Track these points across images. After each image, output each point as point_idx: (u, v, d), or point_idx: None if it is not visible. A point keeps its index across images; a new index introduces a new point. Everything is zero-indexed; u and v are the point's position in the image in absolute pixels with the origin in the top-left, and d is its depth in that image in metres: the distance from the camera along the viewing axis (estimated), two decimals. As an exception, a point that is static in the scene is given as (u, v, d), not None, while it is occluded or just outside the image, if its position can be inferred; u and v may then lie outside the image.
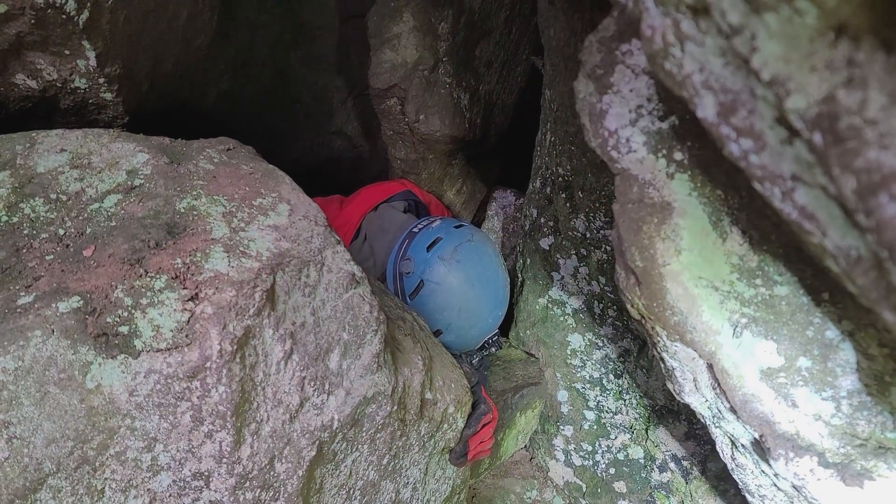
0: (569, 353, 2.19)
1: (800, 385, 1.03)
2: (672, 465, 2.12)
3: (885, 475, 0.98)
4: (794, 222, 0.60)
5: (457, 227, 1.96)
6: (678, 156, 0.96)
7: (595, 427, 2.21)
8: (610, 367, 2.13)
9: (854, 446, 1.01)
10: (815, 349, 1.01)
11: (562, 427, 2.27)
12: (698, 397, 1.19)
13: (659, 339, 1.12)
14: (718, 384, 1.08)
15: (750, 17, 0.48)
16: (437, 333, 1.86)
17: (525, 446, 2.42)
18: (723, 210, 0.97)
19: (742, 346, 1.04)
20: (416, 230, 1.98)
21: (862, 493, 0.99)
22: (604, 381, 2.15)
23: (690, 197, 0.98)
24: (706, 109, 0.62)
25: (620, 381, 2.12)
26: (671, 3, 0.56)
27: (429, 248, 1.88)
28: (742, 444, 1.19)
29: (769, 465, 1.11)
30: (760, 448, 1.10)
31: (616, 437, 2.18)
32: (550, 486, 2.37)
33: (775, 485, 1.19)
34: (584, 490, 2.28)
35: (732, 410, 1.09)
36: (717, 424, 1.23)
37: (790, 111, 0.50)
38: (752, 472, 1.24)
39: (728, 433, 1.22)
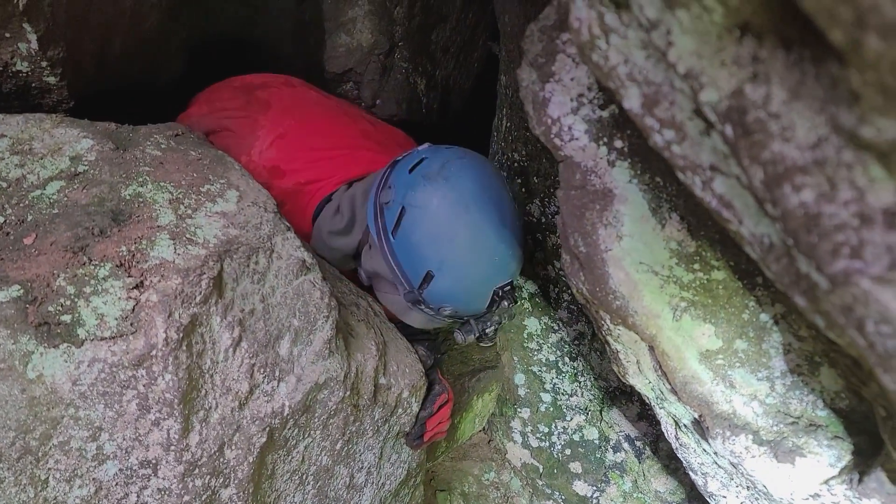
0: (525, 336, 2.22)
1: (737, 366, 1.06)
2: (626, 445, 2.17)
3: (816, 452, 1.02)
4: (713, 210, 0.62)
5: (448, 148, 1.57)
6: (618, 143, 0.98)
7: (551, 409, 2.25)
8: (565, 349, 2.16)
9: (787, 424, 1.05)
10: (751, 331, 1.04)
11: (519, 409, 2.30)
12: (641, 379, 1.22)
13: (603, 322, 1.15)
14: (660, 366, 1.11)
15: (665, 12, 0.50)
16: (427, 279, 1.45)
17: (483, 429, 2.46)
18: (662, 197, 1.00)
19: (682, 329, 1.07)
20: (399, 158, 1.59)
21: (793, 470, 1.03)
22: (559, 364, 2.19)
23: (631, 184, 1.00)
24: (631, 100, 0.64)
25: (576, 364, 2.16)
26: (596, -3, 0.57)
27: (412, 170, 1.48)
28: (684, 424, 1.23)
29: (709, 443, 1.14)
30: (700, 428, 1.14)
31: (572, 419, 2.23)
32: (508, 468, 2.41)
33: (716, 462, 1.23)
34: (541, 471, 2.32)
35: (673, 392, 1.12)
36: (660, 405, 1.27)
37: (704, 104, 0.52)
38: (695, 450, 1.28)
39: (671, 413, 1.25)
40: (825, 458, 1.02)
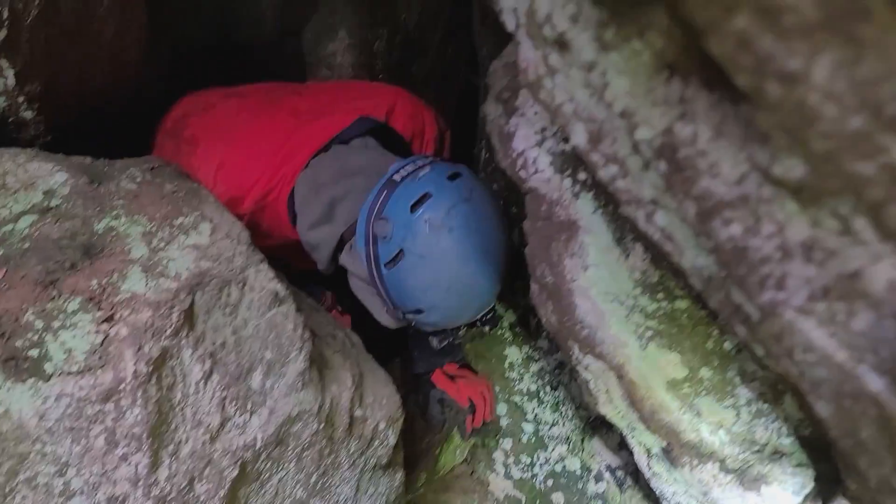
0: (507, 366, 2.22)
1: (703, 394, 1.07)
2: (607, 475, 2.16)
3: (780, 479, 1.03)
4: (657, 243, 0.64)
5: (451, 176, 1.44)
6: (581, 176, 1.01)
7: (533, 439, 2.24)
8: (546, 379, 2.16)
9: (752, 452, 1.05)
10: (716, 360, 1.05)
11: (501, 440, 2.29)
12: (612, 408, 1.22)
13: (572, 352, 1.16)
14: (629, 395, 1.12)
15: (600, 53, 0.52)
16: (416, 312, 1.50)
17: (466, 460, 2.44)
18: (625, 227, 1.02)
19: (648, 358, 1.08)
20: (396, 178, 1.47)
21: (758, 498, 1.04)
22: (541, 394, 2.18)
23: (595, 215, 1.02)
24: (578, 137, 0.66)
25: (557, 393, 2.16)
26: (539, 38, 0.60)
27: (413, 208, 1.39)
28: (655, 453, 1.23)
29: (678, 472, 1.15)
30: (669, 456, 1.15)
31: (554, 449, 2.22)
32: (491, 500, 2.38)
33: (687, 492, 1.24)
34: (524, 502, 2.31)
35: (642, 420, 1.13)
36: (632, 434, 1.27)
37: (640, 141, 0.54)
38: (667, 479, 1.28)
39: (642, 442, 1.26)
40: (790, 485, 1.03)
